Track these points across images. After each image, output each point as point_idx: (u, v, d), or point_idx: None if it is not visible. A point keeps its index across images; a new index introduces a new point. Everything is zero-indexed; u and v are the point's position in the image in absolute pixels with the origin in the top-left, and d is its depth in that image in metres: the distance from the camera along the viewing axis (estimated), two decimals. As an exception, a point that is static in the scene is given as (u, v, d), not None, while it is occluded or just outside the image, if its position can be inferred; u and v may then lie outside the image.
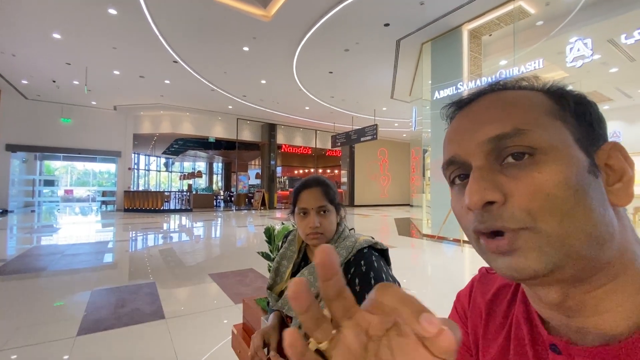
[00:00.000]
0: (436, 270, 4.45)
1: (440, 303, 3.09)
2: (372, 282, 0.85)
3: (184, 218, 10.89)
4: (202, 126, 14.11)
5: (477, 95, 0.35)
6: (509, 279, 0.31)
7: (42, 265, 4.24)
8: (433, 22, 6.15)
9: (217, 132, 14.48)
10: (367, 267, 0.87)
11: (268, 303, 1.06)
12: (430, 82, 7.04)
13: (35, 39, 6.93)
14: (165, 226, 8.86)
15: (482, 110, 0.33)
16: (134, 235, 7.17)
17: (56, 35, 6.71)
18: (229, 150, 17.04)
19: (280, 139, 15.86)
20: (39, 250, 5.23)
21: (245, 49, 7.35)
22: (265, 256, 1.47)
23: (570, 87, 0.34)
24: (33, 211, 12.25)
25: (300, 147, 16.81)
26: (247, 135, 15.20)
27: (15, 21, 6.14)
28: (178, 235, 7.45)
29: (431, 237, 6.66)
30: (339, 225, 1.00)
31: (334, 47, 7.22)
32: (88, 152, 12.74)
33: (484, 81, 5.98)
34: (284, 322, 1.00)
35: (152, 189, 20.01)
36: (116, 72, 8.87)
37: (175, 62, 8.06)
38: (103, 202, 14.48)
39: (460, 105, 0.37)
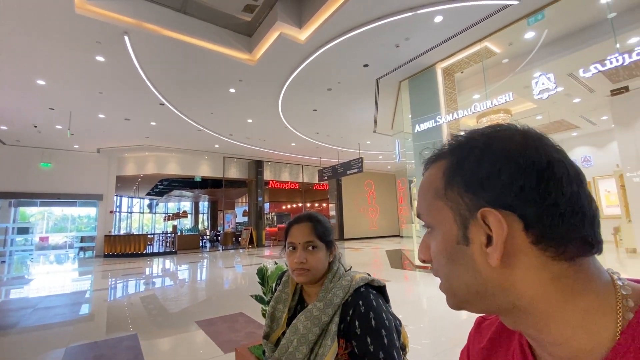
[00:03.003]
0: (432, 302, 4.34)
1: (438, 338, 2.98)
2: (373, 322, 0.82)
3: (167, 261, 10.43)
4: (188, 166, 14.04)
5: (424, 168, 0.43)
6: None
7: (10, 322, 3.90)
8: (408, 62, 6.58)
9: (204, 171, 14.42)
10: (366, 308, 0.84)
11: (264, 352, 1.00)
12: (410, 116, 7.36)
13: (18, 86, 6.95)
14: (147, 271, 8.44)
15: (418, 190, 0.44)
16: (113, 282, 6.77)
17: (40, 82, 6.76)
18: (215, 188, 16.88)
19: (267, 175, 15.89)
20: (7, 305, 4.84)
21: (232, 90, 7.58)
22: (259, 299, 1.41)
23: (471, 144, 0.37)
24: (3, 262, 11.48)
25: (288, 182, 16.85)
26: (233, 172, 15.17)
27: (-1, 69, 6.19)
28: (161, 280, 7.08)
29: (424, 268, 6.59)
30: (332, 264, 0.99)
31: (317, 87, 7.54)
32: (68, 197, 12.33)
33: (460, 114, 6.30)
34: (282, 372, 0.94)
35: (135, 232, 19.30)
36: (101, 116, 8.90)
37: (162, 104, 8.18)
38: (81, 249, 13.77)
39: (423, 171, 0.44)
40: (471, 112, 6.16)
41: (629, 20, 4.89)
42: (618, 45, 4.55)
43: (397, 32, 5.50)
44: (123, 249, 11.91)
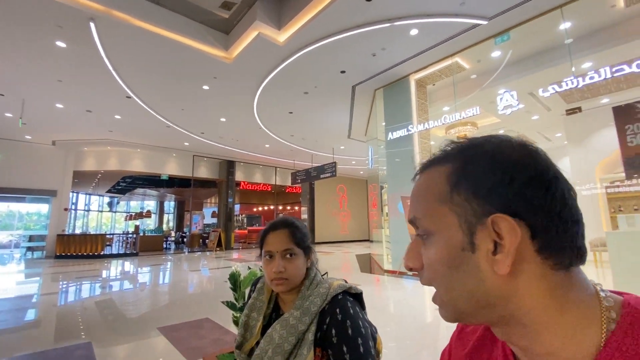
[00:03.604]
0: (399, 306, 4.44)
1: (403, 341, 3.04)
2: (349, 330, 0.81)
3: (127, 263, 9.85)
4: (154, 163, 13.41)
5: (419, 172, 0.42)
6: None
7: (-60, 330, 3.48)
8: (384, 72, 6.75)
9: (171, 169, 13.84)
10: (343, 316, 0.83)
11: (235, 361, 0.96)
12: (384, 124, 7.54)
13: (-36, 68, 6.30)
14: (104, 273, 7.91)
15: (412, 194, 0.42)
16: (65, 286, 6.27)
17: (-9, 65, 6.18)
18: (183, 188, 16.25)
19: (239, 176, 15.56)
20: (-62, 311, 4.31)
21: (205, 87, 7.36)
22: (230, 305, 1.35)
23: (477, 150, 0.37)
24: None
25: (260, 184, 16.61)
26: (203, 172, 14.70)
27: (-59, 48, 5.57)
28: (120, 284, 6.67)
29: (392, 272, 6.73)
30: (309, 270, 0.97)
31: (294, 89, 7.52)
32: (15, 192, 11.29)
33: (431, 124, 6.54)
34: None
35: (92, 231, 18.10)
36: (59, 106, 8.27)
37: (129, 97, 7.76)
38: (29, 249, 12.64)
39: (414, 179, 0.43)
40: (441, 123, 6.42)
41: (584, 47, 5.35)
42: (574, 69, 4.96)
43: (374, 42, 5.62)
44: (78, 249, 11.09)
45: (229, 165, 14.97)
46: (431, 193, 0.38)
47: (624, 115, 3.85)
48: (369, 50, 5.90)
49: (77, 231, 16.84)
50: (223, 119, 9.59)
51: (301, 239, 0.93)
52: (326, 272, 1.03)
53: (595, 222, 7.14)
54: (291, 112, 9.02)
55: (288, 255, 0.90)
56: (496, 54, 6.05)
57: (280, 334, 0.83)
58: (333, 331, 0.81)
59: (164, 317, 3.93)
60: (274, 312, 0.96)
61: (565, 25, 5.12)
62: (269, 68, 6.50)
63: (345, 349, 0.79)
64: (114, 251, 12.75)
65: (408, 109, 6.94)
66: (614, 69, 4.10)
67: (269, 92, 7.58)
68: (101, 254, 11.38)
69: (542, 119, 8.56)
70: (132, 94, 7.60)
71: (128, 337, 3.26)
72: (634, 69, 3.87)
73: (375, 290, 5.54)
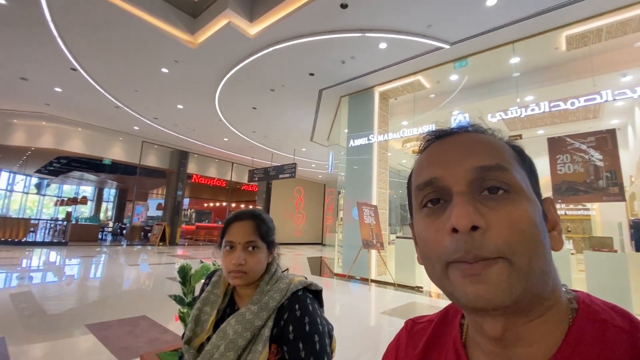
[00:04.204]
0: (344, 309, 4.52)
1: (345, 344, 3.10)
2: (307, 327, 0.80)
3: (54, 253, 8.83)
4: (96, 145, 12.19)
5: (457, 131, 0.38)
6: (472, 307, 0.31)
7: None
8: (351, 80, 6.90)
9: (116, 153, 12.70)
10: (301, 312, 0.82)
11: (180, 358, 0.90)
12: (346, 130, 7.70)
13: None
14: (25, 263, 7.00)
15: (467, 143, 0.36)
16: (-27, 274, 5.43)
17: None
18: (127, 175, 14.98)
19: (192, 168, 14.77)
20: None
21: (165, 70, 6.91)
22: (179, 300, 1.26)
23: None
24: None
25: (214, 178, 15.91)
26: (152, 160, 13.72)
27: None
28: (43, 275, 5.94)
29: (341, 276, 6.84)
30: (270, 265, 0.94)
31: (260, 85, 7.37)
32: None
33: (390, 136, 6.83)
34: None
35: (14, 215, 15.96)
36: (-14, 68, 7.20)
37: (74, 69, 7.00)
38: None
39: (438, 136, 0.39)
40: (399, 136, 6.73)
41: (528, 81, 5.98)
42: (518, 100, 5.51)
43: (345, 49, 5.74)
44: (-7, 234, 9.70)
45: (182, 156, 14.17)
46: (507, 151, 0.36)
47: (556, 146, 4.37)
48: (339, 57, 6.00)
49: (-6, 214, 14.74)
50: (180, 106, 9.08)
51: (266, 232, 0.91)
52: (287, 269, 1.01)
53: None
54: (255, 108, 8.83)
55: (250, 248, 0.87)
56: (454, 77, 6.51)
57: (235, 329, 0.79)
58: (290, 327, 0.80)
59: (94, 313, 3.57)
60: (229, 307, 0.92)
61: (515, 60, 5.68)
62: (236, 59, 6.31)
63: (301, 345, 0.77)
64: (39, 239, 11.35)
65: (370, 119, 7.17)
66: (551, 104, 4.64)
67: (233, 84, 7.34)
68: (23, 240, 10.07)
69: (487, 142, 9.35)
70: (78, 67, 6.88)
71: (49, 334, 2.90)
72: (568, 106, 4.43)
73: (324, 293, 5.58)
